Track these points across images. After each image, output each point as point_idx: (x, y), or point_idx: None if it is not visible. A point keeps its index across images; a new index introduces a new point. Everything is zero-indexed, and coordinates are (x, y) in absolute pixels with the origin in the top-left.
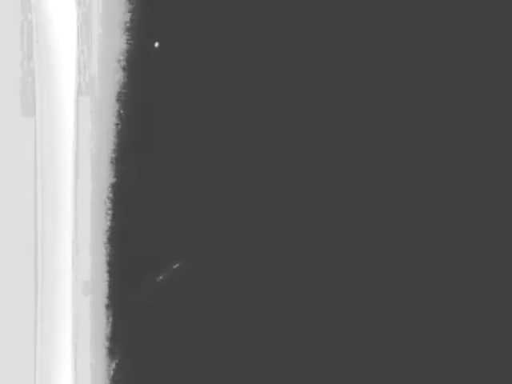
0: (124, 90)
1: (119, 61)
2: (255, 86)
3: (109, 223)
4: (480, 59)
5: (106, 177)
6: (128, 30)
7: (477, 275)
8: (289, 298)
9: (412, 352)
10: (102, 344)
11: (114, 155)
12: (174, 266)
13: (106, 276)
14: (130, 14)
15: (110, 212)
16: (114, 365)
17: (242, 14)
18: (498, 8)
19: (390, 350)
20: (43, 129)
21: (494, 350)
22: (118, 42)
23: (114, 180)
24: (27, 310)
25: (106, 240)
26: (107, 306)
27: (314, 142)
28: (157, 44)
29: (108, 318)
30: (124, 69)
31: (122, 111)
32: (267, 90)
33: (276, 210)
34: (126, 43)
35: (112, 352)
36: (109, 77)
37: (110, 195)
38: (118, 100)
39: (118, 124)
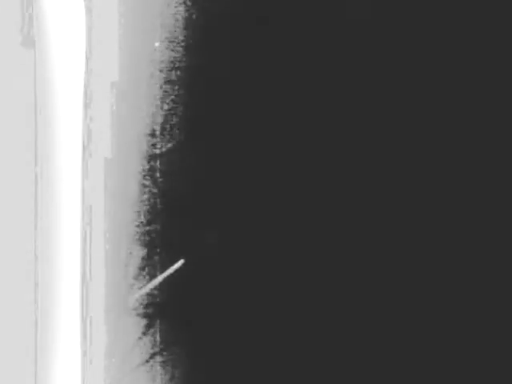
0: (128, 91)
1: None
2: (257, 87)
3: (112, 223)
4: (480, 59)
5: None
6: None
7: (477, 275)
8: (290, 298)
9: (412, 351)
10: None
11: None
12: (174, 266)
13: (105, 276)
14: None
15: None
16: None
17: (243, 16)
18: (497, 8)
19: (390, 349)
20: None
21: (494, 349)
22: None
23: (113, 182)
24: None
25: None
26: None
27: (315, 143)
28: (157, 44)
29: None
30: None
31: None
32: (269, 92)
33: (277, 209)
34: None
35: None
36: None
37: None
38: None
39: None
